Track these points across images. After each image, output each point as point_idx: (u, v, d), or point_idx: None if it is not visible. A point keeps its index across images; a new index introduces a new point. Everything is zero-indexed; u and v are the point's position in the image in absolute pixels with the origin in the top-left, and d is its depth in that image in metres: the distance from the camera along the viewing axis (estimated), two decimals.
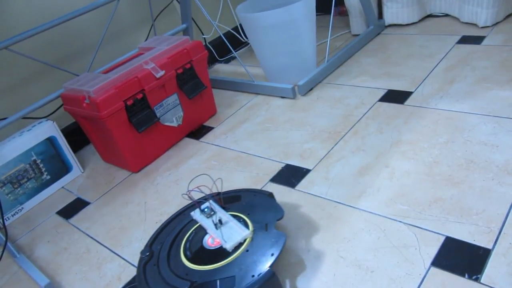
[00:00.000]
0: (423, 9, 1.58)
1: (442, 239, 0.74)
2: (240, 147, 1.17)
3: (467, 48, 1.33)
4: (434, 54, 1.35)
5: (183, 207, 0.90)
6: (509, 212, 0.75)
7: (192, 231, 0.82)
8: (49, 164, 1.22)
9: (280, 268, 0.78)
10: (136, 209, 1.06)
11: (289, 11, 1.27)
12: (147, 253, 0.80)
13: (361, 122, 1.13)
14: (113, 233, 1.01)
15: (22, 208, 1.18)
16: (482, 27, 1.42)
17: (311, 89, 1.37)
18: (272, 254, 0.72)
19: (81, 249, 0.99)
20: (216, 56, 1.83)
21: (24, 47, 1.27)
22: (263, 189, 0.99)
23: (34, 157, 1.18)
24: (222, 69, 1.75)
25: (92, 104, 1.08)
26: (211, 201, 0.85)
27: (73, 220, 1.10)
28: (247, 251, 0.74)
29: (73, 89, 1.14)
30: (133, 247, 0.94)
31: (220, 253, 0.75)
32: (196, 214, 0.84)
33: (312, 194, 0.93)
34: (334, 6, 1.70)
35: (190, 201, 0.89)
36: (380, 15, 1.66)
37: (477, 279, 0.66)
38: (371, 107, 1.18)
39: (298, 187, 0.97)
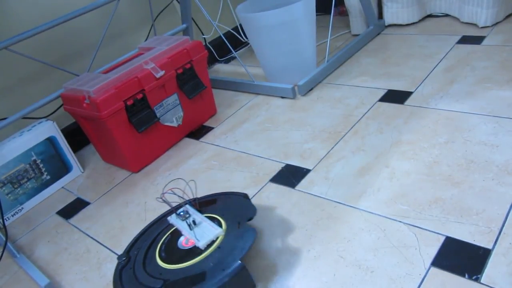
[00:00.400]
0: (423, 9, 1.58)
1: (442, 239, 0.74)
2: (240, 147, 1.17)
3: (467, 48, 1.33)
4: (434, 54, 1.35)
5: (162, 214, 0.91)
6: (509, 212, 0.75)
7: (168, 234, 0.83)
8: (49, 164, 1.22)
9: (280, 268, 0.78)
10: (136, 209, 1.06)
11: (289, 11, 1.27)
12: (124, 258, 0.81)
13: (361, 122, 1.13)
14: (113, 233, 1.01)
15: (22, 208, 1.18)
16: (482, 27, 1.42)
17: (311, 89, 1.37)
18: (243, 249, 0.73)
19: (81, 249, 0.99)
20: (216, 56, 1.83)
21: (24, 47, 1.27)
22: (262, 189, 0.99)
23: (34, 157, 1.18)
24: (222, 69, 1.75)
25: (92, 104, 1.08)
26: (187, 205, 0.86)
27: (73, 220, 1.10)
28: (219, 248, 0.75)
29: (73, 89, 1.14)
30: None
31: (193, 252, 0.76)
32: (172, 218, 0.86)
33: (312, 194, 0.93)
34: (334, 6, 1.70)
35: (169, 207, 0.90)
36: (380, 15, 1.66)
37: (477, 279, 0.66)
38: (371, 107, 1.18)
39: (298, 187, 0.97)
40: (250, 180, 1.03)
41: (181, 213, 0.84)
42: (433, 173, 0.89)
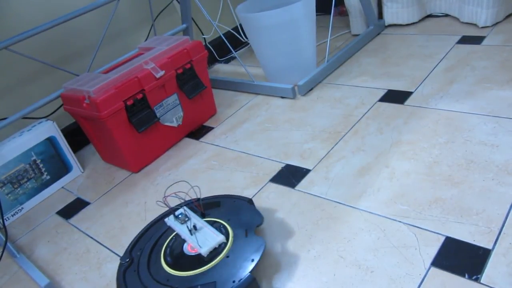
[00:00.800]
0: (423, 9, 1.58)
1: (442, 239, 0.74)
2: (240, 147, 1.17)
3: (467, 48, 1.33)
4: (434, 54, 1.35)
5: (162, 213, 0.90)
6: (509, 212, 0.75)
7: (173, 237, 0.82)
8: (49, 164, 1.22)
9: (280, 268, 0.78)
10: (136, 209, 1.06)
11: (289, 11, 1.27)
12: (127, 259, 0.80)
13: (361, 122, 1.13)
14: (113, 233, 1.01)
15: (22, 208, 1.18)
16: (482, 27, 1.42)
17: (311, 89, 1.37)
18: (253, 260, 0.72)
19: (81, 249, 0.99)
20: (216, 56, 1.83)
21: (24, 47, 1.27)
22: (261, 189, 0.99)
23: (34, 157, 1.18)
24: (222, 69, 1.75)
25: (92, 104, 1.08)
26: (185, 207, 0.85)
27: (73, 220, 1.10)
28: (227, 257, 0.74)
29: (73, 89, 1.14)
30: None
31: (200, 259, 0.75)
32: (170, 220, 0.84)
33: (312, 194, 0.93)
34: (334, 6, 1.70)
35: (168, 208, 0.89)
36: (380, 15, 1.66)
37: (477, 279, 0.66)
38: (371, 107, 1.18)
39: (298, 187, 0.97)
40: (250, 180, 1.03)
41: (180, 216, 0.83)
42: (433, 173, 0.89)
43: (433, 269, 0.69)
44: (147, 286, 0.73)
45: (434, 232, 0.76)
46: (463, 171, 0.87)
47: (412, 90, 1.20)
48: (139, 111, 1.15)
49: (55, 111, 1.37)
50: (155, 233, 0.85)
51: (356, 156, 1.01)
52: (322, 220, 0.86)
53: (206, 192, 1.04)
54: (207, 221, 0.83)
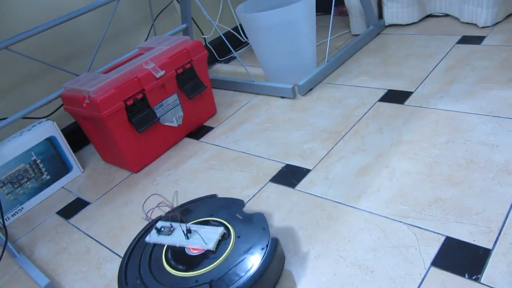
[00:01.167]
0: (423, 9, 1.58)
1: (442, 239, 0.74)
2: (240, 147, 1.17)
3: (467, 48, 1.33)
4: (434, 54, 1.35)
5: (139, 233, 0.85)
6: (509, 212, 0.75)
7: (166, 249, 0.79)
8: (49, 164, 1.22)
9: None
10: (136, 209, 1.06)
11: (289, 11, 1.27)
12: None
13: (361, 122, 1.13)
14: (113, 233, 1.01)
15: (22, 208, 1.18)
16: (482, 27, 1.42)
17: (311, 89, 1.37)
18: (264, 228, 0.74)
19: (81, 249, 0.99)
20: (216, 56, 1.83)
21: (24, 47, 1.27)
22: (261, 189, 0.99)
23: (34, 157, 1.18)
24: (222, 69, 1.75)
25: (92, 104, 1.08)
26: (161, 220, 0.82)
27: (73, 220, 1.10)
28: (238, 237, 0.76)
29: (73, 89, 1.14)
30: None
31: (209, 253, 0.75)
32: (153, 237, 0.80)
33: (312, 194, 0.93)
34: (334, 6, 1.70)
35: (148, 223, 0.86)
36: (380, 15, 1.66)
37: (477, 279, 0.66)
38: (371, 107, 1.18)
39: (298, 187, 0.97)
40: (250, 180, 1.03)
41: (163, 229, 0.80)
42: (433, 173, 0.89)
43: (433, 269, 0.69)
44: None
45: (434, 232, 0.76)
46: (463, 171, 0.87)
47: (412, 90, 1.20)
48: (139, 111, 1.15)
49: (55, 111, 1.37)
50: (143, 253, 0.80)
51: (356, 156, 1.01)
52: (322, 220, 0.86)
53: (205, 192, 1.04)
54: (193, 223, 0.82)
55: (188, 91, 1.25)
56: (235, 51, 1.79)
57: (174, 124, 1.26)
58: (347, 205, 0.87)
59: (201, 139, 1.27)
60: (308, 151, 1.08)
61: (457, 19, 1.53)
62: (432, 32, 1.50)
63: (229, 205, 0.85)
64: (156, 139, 1.23)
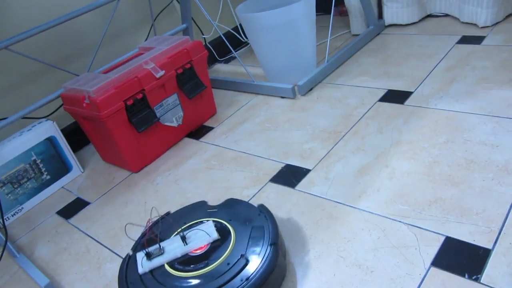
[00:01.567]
0: (423, 9, 1.58)
1: (442, 239, 0.74)
2: (240, 147, 1.17)
3: (467, 48, 1.33)
4: (434, 54, 1.35)
5: (123, 263, 0.79)
6: (509, 212, 0.75)
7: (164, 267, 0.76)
8: (49, 164, 1.22)
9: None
10: (136, 209, 1.06)
11: (289, 11, 1.27)
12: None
13: (361, 122, 1.13)
14: (113, 233, 1.01)
15: (22, 208, 1.18)
16: (482, 27, 1.42)
17: (311, 89, 1.37)
18: (260, 212, 0.80)
19: (81, 249, 0.99)
20: (216, 56, 1.83)
21: (24, 47, 1.27)
22: (261, 189, 0.99)
23: (34, 157, 1.18)
24: (222, 69, 1.75)
25: (92, 104, 1.08)
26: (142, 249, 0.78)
27: (73, 220, 1.10)
28: (230, 220, 0.80)
29: (73, 89, 1.14)
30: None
31: (217, 247, 0.76)
32: (146, 265, 0.74)
33: (312, 194, 0.93)
34: (334, 6, 1.70)
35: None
36: (380, 15, 1.66)
37: (477, 279, 0.66)
38: (371, 107, 1.18)
39: (298, 187, 0.97)
40: (250, 180, 1.03)
41: (153, 252, 0.76)
42: (433, 173, 0.89)
43: (433, 269, 0.69)
44: None
45: (434, 232, 0.76)
46: (463, 171, 0.87)
47: (412, 90, 1.20)
48: (139, 111, 1.15)
49: (55, 111, 1.37)
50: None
51: (356, 156, 1.01)
52: (322, 220, 0.86)
53: (205, 191, 1.04)
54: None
55: (188, 91, 1.25)
56: (235, 51, 1.79)
57: (174, 124, 1.26)
58: (347, 205, 0.87)
59: (201, 139, 1.27)
60: (308, 151, 1.08)
61: (457, 19, 1.53)
62: (432, 32, 1.50)
63: (196, 209, 0.87)
64: (156, 139, 1.23)
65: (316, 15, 1.97)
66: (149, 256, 0.75)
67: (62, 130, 1.38)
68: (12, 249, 1.01)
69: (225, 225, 0.80)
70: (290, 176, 1.01)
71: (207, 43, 1.79)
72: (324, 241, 0.81)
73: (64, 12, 1.34)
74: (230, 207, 0.85)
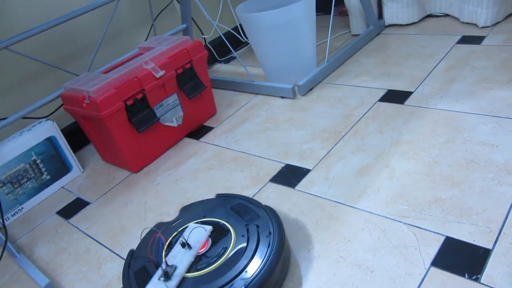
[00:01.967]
0: (423, 9, 1.58)
1: (442, 239, 0.74)
2: (240, 147, 1.17)
3: (467, 48, 1.33)
4: (434, 54, 1.35)
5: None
6: (509, 212, 0.75)
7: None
8: (49, 164, 1.22)
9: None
10: (136, 209, 1.06)
11: (289, 11, 1.27)
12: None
13: (361, 122, 1.13)
14: (113, 233, 1.01)
15: (22, 208, 1.18)
16: (482, 27, 1.42)
17: (311, 89, 1.37)
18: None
19: (81, 249, 0.99)
20: (216, 56, 1.83)
21: (24, 47, 1.27)
22: (261, 189, 0.99)
23: (34, 157, 1.18)
24: (222, 69, 1.75)
25: (92, 104, 1.08)
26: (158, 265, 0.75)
27: (73, 220, 1.10)
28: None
29: (73, 89, 1.14)
30: (133, 247, 0.94)
31: (218, 246, 0.76)
32: (170, 284, 0.70)
33: (312, 194, 0.93)
34: (334, 6, 1.70)
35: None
36: (380, 15, 1.66)
37: (477, 279, 0.66)
38: (371, 107, 1.18)
39: (298, 187, 0.97)
40: (250, 180, 1.03)
41: (168, 270, 0.71)
42: (433, 173, 0.89)
43: (433, 269, 0.69)
44: None
45: (434, 232, 0.76)
46: (463, 171, 0.87)
47: (412, 90, 1.20)
48: (139, 111, 1.15)
49: (55, 111, 1.37)
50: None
51: (356, 156, 1.01)
52: (322, 220, 0.86)
53: (205, 191, 1.04)
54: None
55: (188, 91, 1.25)
56: (235, 51, 1.79)
57: (174, 124, 1.26)
58: (347, 205, 0.87)
59: (201, 139, 1.27)
60: (308, 151, 1.08)
61: (457, 19, 1.53)
62: (432, 32, 1.50)
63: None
64: (156, 139, 1.23)
65: (316, 15, 1.97)
66: (167, 275, 0.71)
67: (62, 130, 1.38)
68: (12, 249, 1.01)
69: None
70: (290, 176, 1.01)
71: (207, 43, 1.79)
72: (324, 241, 0.81)
73: (64, 12, 1.34)
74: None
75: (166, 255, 0.77)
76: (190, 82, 1.26)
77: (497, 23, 1.42)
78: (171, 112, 1.24)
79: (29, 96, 1.31)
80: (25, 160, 1.16)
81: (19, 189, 1.16)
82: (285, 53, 1.36)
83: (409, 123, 1.06)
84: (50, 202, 1.20)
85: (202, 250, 0.76)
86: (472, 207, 0.78)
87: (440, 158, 0.92)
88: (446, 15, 1.58)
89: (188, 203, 1.01)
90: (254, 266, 0.70)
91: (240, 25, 1.88)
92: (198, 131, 1.32)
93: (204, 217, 0.84)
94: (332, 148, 1.06)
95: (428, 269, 0.70)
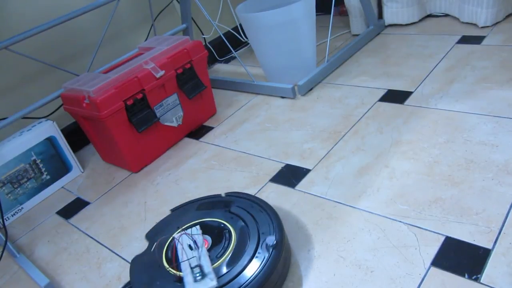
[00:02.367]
0: (423, 9, 1.58)
1: (442, 239, 0.74)
2: (240, 147, 1.17)
3: (467, 48, 1.33)
4: (434, 54, 1.35)
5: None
6: (509, 212, 0.75)
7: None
8: (49, 164, 1.22)
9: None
10: (136, 209, 1.06)
11: (289, 11, 1.27)
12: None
13: (361, 122, 1.13)
14: (113, 233, 1.01)
15: (22, 208, 1.18)
16: (482, 27, 1.42)
17: (311, 89, 1.37)
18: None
19: (81, 249, 0.99)
20: (216, 56, 1.83)
21: (24, 47, 1.27)
22: (261, 189, 0.99)
23: (34, 157, 1.18)
24: (222, 69, 1.75)
25: (92, 104, 1.08)
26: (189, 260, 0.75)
27: (73, 220, 1.10)
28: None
29: (73, 89, 1.14)
30: (133, 247, 0.94)
31: (218, 247, 0.76)
32: (209, 282, 0.69)
33: (312, 194, 0.93)
34: (334, 6, 1.70)
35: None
36: (380, 15, 1.66)
37: (477, 279, 0.66)
38: (371, 107, 1.18)
39: (298, 187, 0.97)
40: (250, 180, 1.03)
41: (197, 274, 0.71)
42: (433, 173, 0.89)
43: (433, 269, 0.69)
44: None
45: (434, 232, 0.76)
46: (463, 171, 0.87)
47: (412, 90, 1.20)
48: (139, 111, 1.15)
49: (55, 111, 1.37)
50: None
51: (356, 156, 1.01)
52: (322, 220, 0.86)
53: (205, 191, 1.04)
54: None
55: (188, 91, 1.25)
56: (235, 51, 1.79)
57: (174, 124, 1.26)
58: (347, 205, 0.87)
59: (201, 139, 1.27)
60: (308, 151, 1.08)
61: (457, 19, 1.53)
62: (432, 32, 1.50)
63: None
64: (156, 139, 1.23)
65: (316, 15, 1.97)
66: (203, 275, 0.71)
67: (62, 130, 1.38)
68: (12, 249, 1.01)
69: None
70: (290, 176, 1.01)
71: (207, 43, 1.79)
72: (324, 241, 0.81)
73: (64, 12, 1.34)
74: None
75: (170, 262, 0.76)
76: (190, 82, 1.26)
77: (497, 23, 1.42)
78: (171, 112, 1.24)
79: (29, 96, 1.31)
80: (25, 160, 1.16)
81: (19, 189, 1.16)
82: (285, 53, 1.36)
83: (409, 123, 1.06)
84: (50, 202, 1.20)
85: (206, 247, 0.77)
86: (472, 207, 0.78)
87: (440, 158, 0.92)
88: (446, 15, 1.58)
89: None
90: (254, 266, 0.70)
91: (240, 25, 1.88)
92: (198, 131, 1.32)
93: (202, 218, 0.84)
94: (332, 148, 1.06)
95: (428, 269, 0.70)
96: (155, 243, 0.81)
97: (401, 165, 0.94)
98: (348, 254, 0.77)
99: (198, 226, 0.81)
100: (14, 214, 1.17)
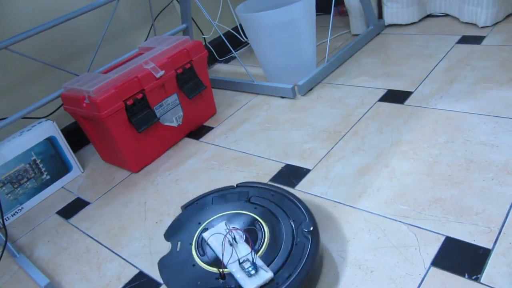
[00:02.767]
0: (423, 9, 1.58)
1: (442, 239, 0.74)
2: (240, 147, 1.17)
3: (467, 48, 1.33)
4: (434, 54, 1.35)
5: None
6: (509, 212, 0.75)
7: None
8: (49, 164, 1.22)
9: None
10: (136, 209, 1.06)
11: (289, 11, 1.27)
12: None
13: (361, 122, 1.13)
14: (113, 233, 1.01)
15: (22, 208, 1.18)
16: (482, 27, 1.42)
17: (311, 89, 1.37)
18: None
19: (81, 249, 0.99)
20: (216, 56, 1.83)
21: (24, 47, 1.27)
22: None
23: (34, 157, 1.18)
24: (222, 69, 1.75)
25: (92, 104, 1.08)
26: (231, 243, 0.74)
27: (73, 220, 1.10)
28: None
29: (73, 89, 1.14)
30: (133, 247, 0.94)
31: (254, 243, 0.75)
32: (264, 273, 0.68)
33: (312, 194, 0.93)
34: (334, 6, 1.70)
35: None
36: (380, 15, 1.66)
37: (477, 279, 0.66)
38: (371, 107, 1.18)
39: (298, 187, 0.97)
40: (250, 180, 1.03)
41: (248, 267, 0.69)
42: (433, 173, 0.89)
43: (433, 269, 0.69)
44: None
45: (434, 232, 0.76)
46: (463, 171, 0.87)
47: (412, 90, 1.20)
48: (139, 111, 1.15)
49: (55, 111, 1.37)
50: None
51: (356, 156, 1.01)
52: (322, 220, 0.86)
53: (205, 192, 1.04)
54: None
55: (188, 91, 1.25)
56: (235, 51, 1.79)
57: (174, 124, 1.26)
58: (347, 205, 0.87)
59: (201, 139, 1.27)
60: (308, 151, 1.08)
61: (457, 19, 1.53)
62: (432, 32, 1.50)
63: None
64: (156, 139, 1.23)
65: (316, 15, 1.97)
66: (255, 269, 0.69)
67: (62, 130, 1.38)
68: (12, 249, 1.01)
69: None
70: (290, 176, 1.01)
71: (207, 43, 1.79)
72: (324, 241, 0.81)
73: (64, 12, 1.34)
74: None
75: (208, 260, 0.74)
76: (190, 82, 1.26)
77: (497, 23, 1.42)
78: (171, 112, 1.24)
79: (29, 96, 1.31)
80: (25, 160, 1.16)
81: (19, 189, 1.16)
82: (285, 53, 1.36)
83: (409, 123, 1.06)
84: (50, 202, 1.20)
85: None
86: (472, 207, 0.78)
87: (440, 158, 0.92)
88: (446, 15, 1.58)
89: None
90: (297, 253, 0.69)
91: (240, 25, 1.88)
92: (198, 131, 1.32)
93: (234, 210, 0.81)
94: (332, 148, 1.06)
95: (428, 269, 0.70)
96: (178, 242, 0.78)
97: (401, 165, 0.94)
98: (348, 254, 0.77)
99: (225, 221, 0.77)
100: (14, 214, 1.17)
